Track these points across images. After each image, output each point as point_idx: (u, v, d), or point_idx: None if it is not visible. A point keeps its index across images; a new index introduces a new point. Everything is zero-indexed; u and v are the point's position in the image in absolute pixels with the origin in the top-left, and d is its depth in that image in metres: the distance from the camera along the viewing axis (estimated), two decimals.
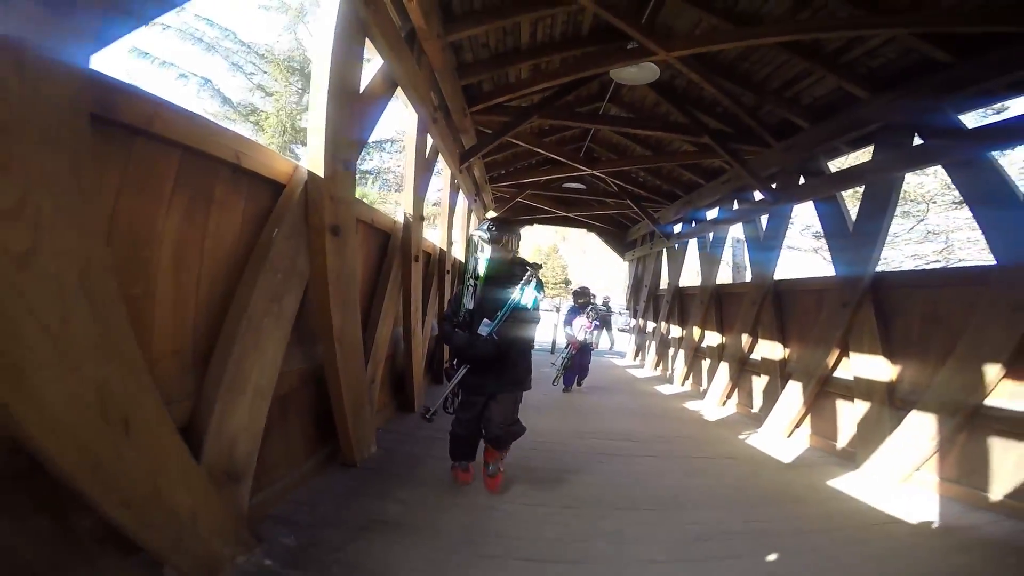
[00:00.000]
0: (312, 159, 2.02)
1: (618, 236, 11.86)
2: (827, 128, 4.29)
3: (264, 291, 1.75)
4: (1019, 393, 2.65)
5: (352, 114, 2.33)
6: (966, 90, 3.20)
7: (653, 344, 9.08)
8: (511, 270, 2.61)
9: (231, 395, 1.62)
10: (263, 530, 1.96)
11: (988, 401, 2.77)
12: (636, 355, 10.29)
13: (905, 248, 13.36)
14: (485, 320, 2.52)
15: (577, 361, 5.93)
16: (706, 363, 6.54)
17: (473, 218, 7.14)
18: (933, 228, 12.79)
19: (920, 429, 3.06)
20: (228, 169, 1.69)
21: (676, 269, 8.28)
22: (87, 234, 1.02)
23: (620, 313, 13.66)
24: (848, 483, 3.22)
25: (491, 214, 8.46)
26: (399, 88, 3.24)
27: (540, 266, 2.80)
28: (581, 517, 2.49)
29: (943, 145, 3.34)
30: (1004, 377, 2.70)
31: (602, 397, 5.88)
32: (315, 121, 2.04)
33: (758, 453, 3.89)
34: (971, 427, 2.86)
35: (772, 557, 2.24)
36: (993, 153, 3.08)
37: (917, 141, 3.58)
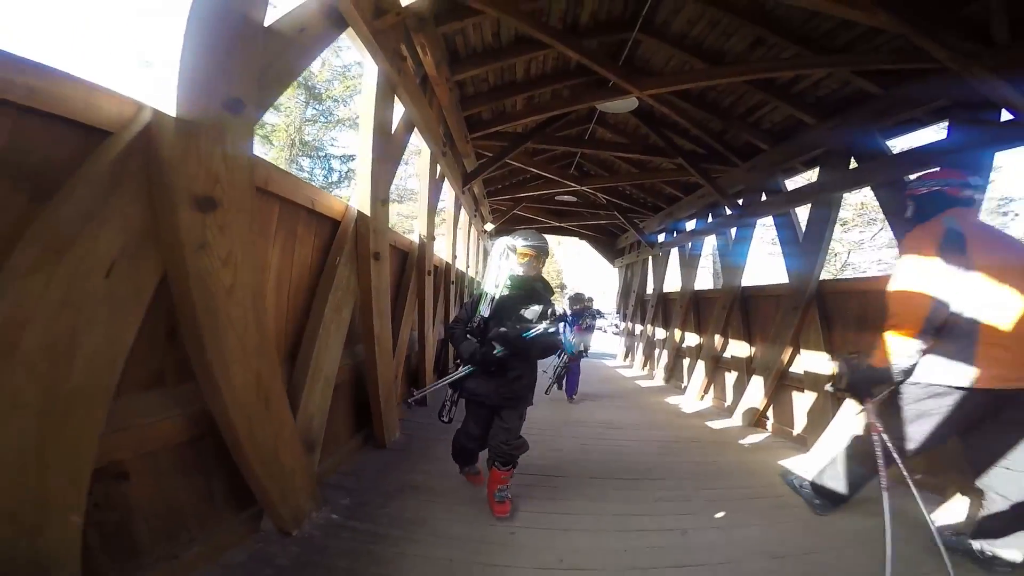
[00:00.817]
0: (360, 200, 2.59)
1: (608, 244, 12.49)
2: (784, 150, 4.92)
3: (331, 305, 2.33)
4: None
5: (387, 159, 2.91)
6: (891, 118, 3.77)
7: (640, 345, 9.70)
8: (532, 286, 2.60)
9: (311, 383, 2.19)
10: (325, 493, 2.51)
11: None
12: (626, 356, 10.91)
13: (871, 254, 14.22)
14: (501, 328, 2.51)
15: (571, 370, 5.88)
16: (686, 361, 7.17)
17: (473, 230, 7.71)
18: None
19: (853, 416, 3.65)
20: (305, 212, 2.26)
21: (660, 275, 8.92)
22: (255, 271, 1.58)
23: (613, 314, 14.12)
24: (796, 463, 3.81)
25: (489, 226, 9.05)
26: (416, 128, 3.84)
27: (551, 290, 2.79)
28: (568, 484, 3.07)
29: (872, 168, 3.93)
30: None
31: (591, 393, 6.42)
32: (362, 170, 2.62)
33: (725, 438, 4.49)
34: None
35: (720, 514, 2.82)
36: None
37: (853, 164, 4.20)
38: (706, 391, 6.26)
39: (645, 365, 9.32)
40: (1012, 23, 2.70)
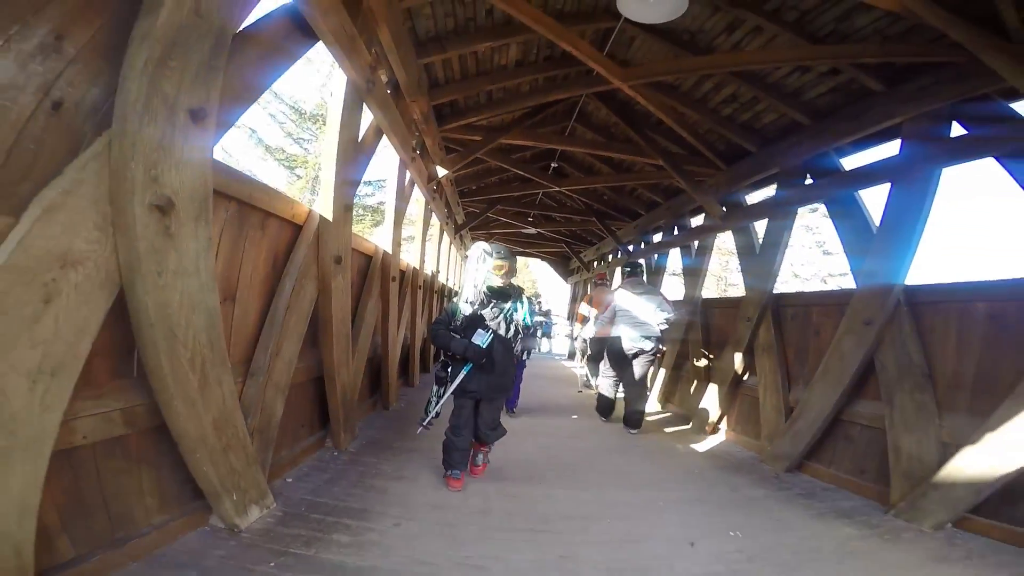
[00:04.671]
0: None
1: (564, 265, 15.87)
2: (644, 220, 8.20)
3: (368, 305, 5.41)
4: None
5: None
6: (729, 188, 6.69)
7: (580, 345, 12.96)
8: (508, 291, 3.03)
9: (357, 362, 5.26)
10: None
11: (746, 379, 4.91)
12: (572, 356, 14.10)
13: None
14: (479, 331, 2.86)
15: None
16: None
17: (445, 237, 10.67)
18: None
19: (712, 395, 5.39)
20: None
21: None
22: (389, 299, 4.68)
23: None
24: (683, 434, 5.26)
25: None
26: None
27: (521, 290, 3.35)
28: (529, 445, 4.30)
29: (733, 217, 5.68)
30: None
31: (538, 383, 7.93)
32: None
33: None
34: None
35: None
36: None
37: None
38: None
39: (582, 360, 12.50)
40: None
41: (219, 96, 1.78)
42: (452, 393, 2.99)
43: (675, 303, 5.70)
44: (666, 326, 5.09)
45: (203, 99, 1.68)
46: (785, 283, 20.87)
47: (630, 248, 9.09)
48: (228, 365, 2.04)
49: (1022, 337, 2.76)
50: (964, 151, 3.15)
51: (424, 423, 3.05)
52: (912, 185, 3.37)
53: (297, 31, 2.43)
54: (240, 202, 2.35)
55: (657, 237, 8.06)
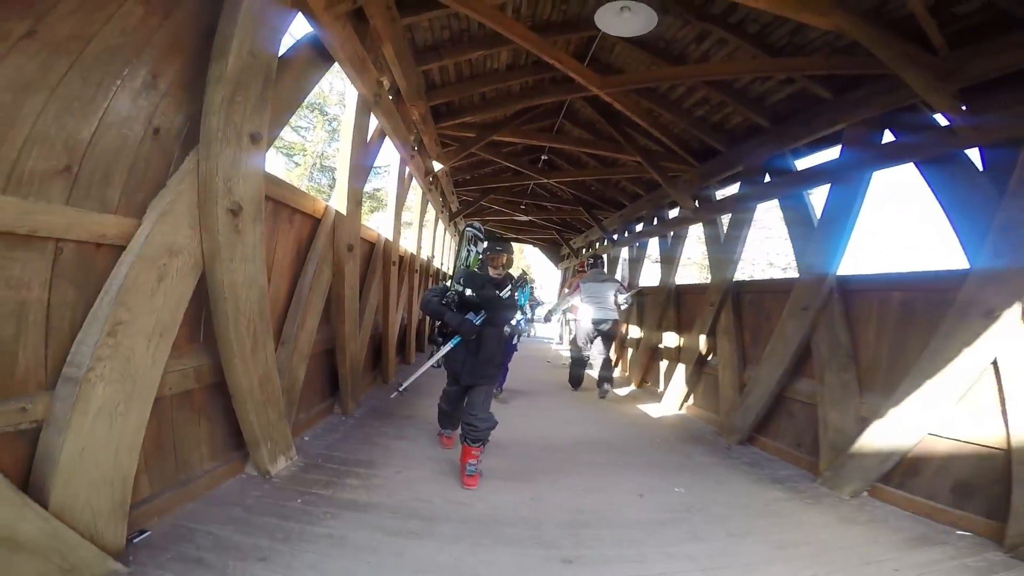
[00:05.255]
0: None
1: (555, 251, 16.40)
2: (630, 209, 8.66)
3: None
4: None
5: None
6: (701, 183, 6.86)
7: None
8: (504, 282, 3.12)
9: (363, 335, 5.77)
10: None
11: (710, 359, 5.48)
12: (561, 340, 14.73)
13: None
14: (472, 312, 2.98)
15: None
16: None
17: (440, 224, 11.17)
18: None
19: (680, 374, 5.87)
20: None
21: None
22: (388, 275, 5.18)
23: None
24: (654, 409, 5.82)
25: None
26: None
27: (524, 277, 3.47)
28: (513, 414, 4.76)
29: (703, 211, 6.12)
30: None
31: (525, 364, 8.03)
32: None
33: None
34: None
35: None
36: None
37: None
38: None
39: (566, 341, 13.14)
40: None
41: (269, 120, 2.25)
42: (442, 357, 3.17)
43: (630, 286, 7.02)
44: (625, 305, 6.19)
45: (259, 124, 2.17)
46: (762, 271, 21.55)
47: (615, 236, 9.61)
48: (271, 332, 2.56)
49: (926, 323, 3.19)
50: (890, 157, 3.62)
51: (400, 389, 3.33)
52: (847, 186, 3.87)
53: (319, 57, 2.92)
54: (275, 201, 2.87)
55: (639, 227, 8.59)
